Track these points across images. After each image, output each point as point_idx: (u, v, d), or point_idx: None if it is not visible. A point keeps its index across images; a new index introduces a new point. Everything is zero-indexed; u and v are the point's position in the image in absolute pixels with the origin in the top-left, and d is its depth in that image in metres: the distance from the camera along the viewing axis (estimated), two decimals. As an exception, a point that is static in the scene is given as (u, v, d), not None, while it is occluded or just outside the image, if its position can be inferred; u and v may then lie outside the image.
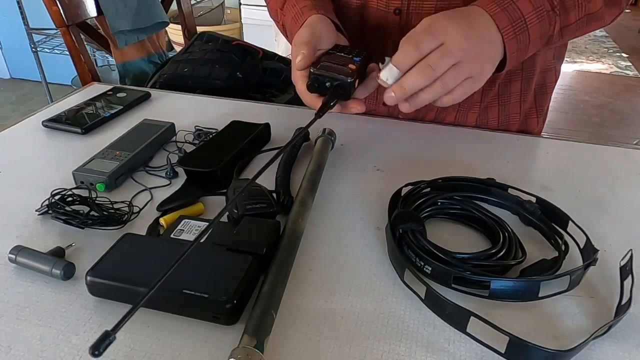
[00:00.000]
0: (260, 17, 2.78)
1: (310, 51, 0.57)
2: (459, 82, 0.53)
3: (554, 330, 0.41)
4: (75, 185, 0.58)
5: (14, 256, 0.46)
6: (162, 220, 0.52)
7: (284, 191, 0.56)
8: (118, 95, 0.82)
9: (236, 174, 0.60)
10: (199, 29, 1.36)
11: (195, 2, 2.87)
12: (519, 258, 0.47)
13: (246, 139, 0.65)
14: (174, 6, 1.43)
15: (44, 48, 2.58)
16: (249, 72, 1.02)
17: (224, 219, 0.52)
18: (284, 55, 1.14)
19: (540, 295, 0.43)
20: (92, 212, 0.52)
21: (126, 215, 0.52)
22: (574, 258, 0.48)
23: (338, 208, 0.56)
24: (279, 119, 0.75)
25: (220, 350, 0.39)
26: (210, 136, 0.69)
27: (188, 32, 1.41)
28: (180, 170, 0.62)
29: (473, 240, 0.51)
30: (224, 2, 3.01)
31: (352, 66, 0.56)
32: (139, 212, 0.54)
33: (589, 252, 0.46)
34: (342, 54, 0.59)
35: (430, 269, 0.44)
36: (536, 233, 0.52)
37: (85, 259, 0.47)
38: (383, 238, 0.51)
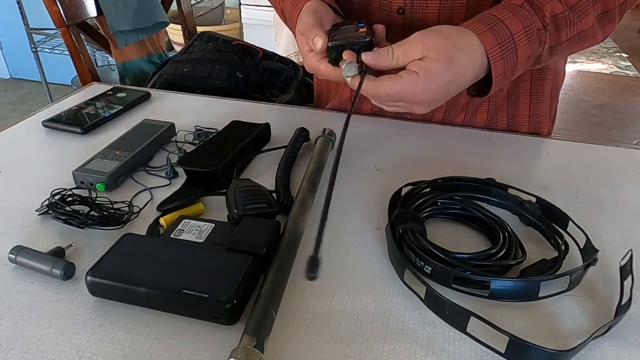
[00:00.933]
0: (260, 17, 2.78)
1: (323, 32, 0.57)
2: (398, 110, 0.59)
3: (554, 330, 0.41)
4: (75, 185, 0.58)
5: (14, 256, 0.46)
6: (162, 220, 0.52)
7: (284, 191, 0.56)
8: (118, 95, 0.82)
9: (236, 174, 0.60)
10: (199, 29, 1.36)
11: (195, 2, 2.87)
12: (519, 258, 0.47)
13: (246, 139, 0.65)
14: (174, 6, 1.43)
15: (44, 48, 2.58)
16: (249, 72, 1.02)
17: (224, 219, 0.52)
18: (284, 55, 1.14)
19: (540, 295, 0.43)
20: (92, 212, 0.52)
21: (126, 215, 0.52)
22: (574, 258, 0.48)
23: (338, 208, 0.56)
24: (279, 119, 0.75)
25: (220, 350, 0.39)
26: (210, 136, 0.69)
27: (188, 32, 1.41)
28: (180, 170, 0.62)
29: (473, 240, 0.51)
30: (224, 2, 3.01)
31: (362, 30, 0.57)
32: (139, 212, 0.54)
33: (589, 252, 0.46)
34: (345, 26, 0.60)
35: (430, 269, 0.44)
36: (536, 233, 0.52)
37: (85, 259, 0.47)
38: (383, 238, 0.51)
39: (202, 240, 0.47)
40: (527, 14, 0.55)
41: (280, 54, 1.13)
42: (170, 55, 1.21)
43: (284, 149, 0.64)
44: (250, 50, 1.07)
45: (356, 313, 0.42)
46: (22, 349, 0.39)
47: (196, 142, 0.69)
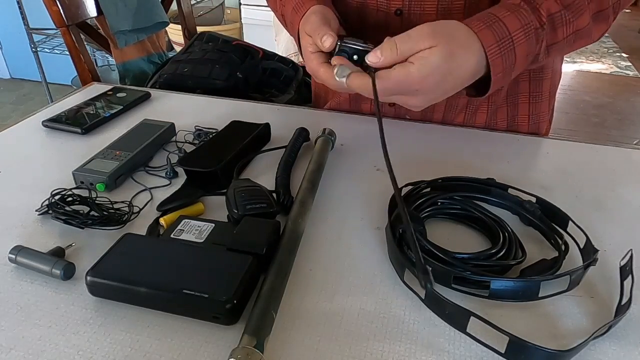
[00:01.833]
0: (260, 17, 2.78)
1: (333, 32, 0.56)
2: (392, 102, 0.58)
3: (554, 330, 0.41)
4: (75, 185, 0.58)
5: (14, 256, 0.46)
6: (162, 220, 0.52)
7: (284, 191, 0.56)
8: (118, 95, 0.82)
9: (236, 174, 0.60)
10: (199, 29, 1.36)
11: (195, 2, 2.87)
12: (519, 258, 0.47)
13: (246, 139, 0.65)
14: (174, 6, 1.43)
15: (44, 48, 2.58)
16: (249, 72, 1.02)
17: (224, 219, 0.52)
18: (284, 55, 1.14)
19: (540, 295, 0.43)
20: (92, 212, 0.52)
21: (126, 215, 0.52)
22: (574, 258, 0.48)
23: (338, 208, 0.56)
24: (279, 119, 0.75)
25: (220, 350, 0.39)
26: (210, 136, 0.69)
27: (188, 32, 1.41)
28: (180, 170, 0.62)
29: (473, 240, 0.51)
30: (224, 2, 3.01)
31: (370, 43, 0.56)
32: (139, 212, 0.54)
33: (589, 252, 0.46)
34: (351, 38, 0.58)
35: (430, 269, 0.44)
36: (536, 233, 0.52)
37: (85, 259, 0.47)
38: (383, 238, 0.51)
39: (202, 240, 0.47)
40: (525, 13, 0.55)
41: (280, 54, 1.13)
42: (170, 55, 1.21)
43: (284, 149, 0.64)
44: (250, 50, 1.07)
45: (356, 313, 0.42)
46: (22, 349, 0.39)
47: (196, 142, 0.69)
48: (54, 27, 1.06)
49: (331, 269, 0.47)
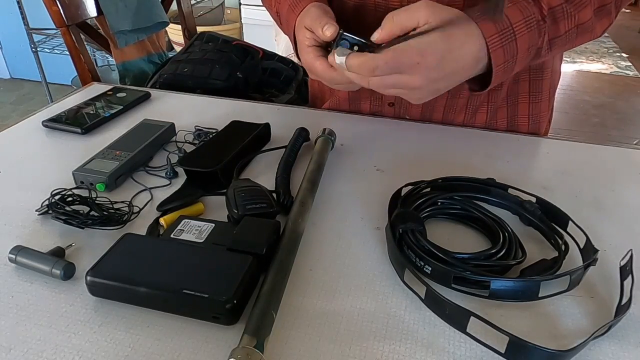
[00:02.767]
0: (260, 17, 2.78)
1: (334, 21, 0.56)
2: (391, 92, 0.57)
3: (554, 330, 0.41)
4: (75, 185, 0.58)
5: (14, 256, 0.46)
6: (162, 220, 0.52)
7: (284, 191, 0.56)
8: (118, 95, 0.82)
9: (236, 174, 0.60)
10: (199, 29, 1.36)
11: (195, 2, 2.87)
12: (519, 258, 0.47)
13: (246, 139, 0.65)
14: (174, 6, 1.43)
15: (44, 48, 2.58)
16: (249, 72, 1.02)
17: (224, 219, 0.52)
18: (284, 55, 1.14)
19: (540, 295, 0.43)
20: (92, 212, 0.52)
21: (126, 215, 0.52)
22: (574, 258, 0.48)
23: (338, 208, 0.56)
24: (279, 119, 0.75)
25: (220, 350, 0.39)
26: (210, 136, 0.69)
27: (188, 32, 1.41)
28: (180, 170, 0.62)
29: (473, 240, 0.51)
30: (224, 2, 3.01)
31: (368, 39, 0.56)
32: (139, 212, 0.54)
33: (589, 252, 0.46)
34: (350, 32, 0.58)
35: (430, 269, 0.44)
36: (536, 233, 0.52)
37: (85, 259, 0.47)
38: (383, 238, 0.51)
39: (202, 240, 0.47)
40: (527, 5, 0.56)
41: (280, 54, 1.13)
42: (170, 55, 1.21)
43: (284, 149, 0.64)
44: (250, 50, 1.07)
45: (356, 313, 0.42)
46: (22, 349, 0.39)
47: (196, 142, 0.69)
48: (54, 27, 1.06)
49: (331, 269, 0.47)
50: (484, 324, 0.38)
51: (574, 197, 0.59)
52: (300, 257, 0.48)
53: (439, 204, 0.54)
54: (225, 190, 0.54)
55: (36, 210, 0.53)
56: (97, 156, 0.61)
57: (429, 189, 0.56)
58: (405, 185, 0.55)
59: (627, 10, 5.37)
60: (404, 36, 0.53)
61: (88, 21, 1.22)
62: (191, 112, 0.78)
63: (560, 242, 0.48)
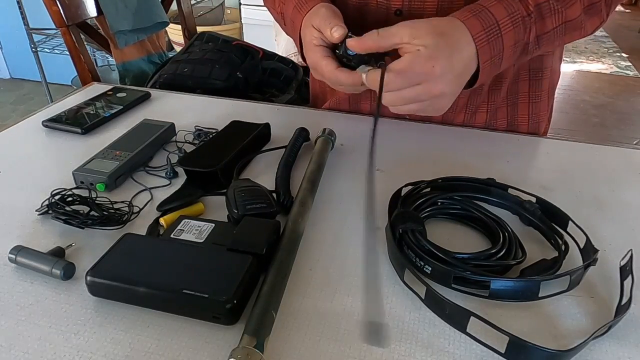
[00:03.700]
0: (260, 17, 2.78)
1: (342, 23, 0.56)
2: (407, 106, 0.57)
3: (554, 330, 0.41)
4: (75, 185, 0.58)
5: (14, 256, 0.46)
6: (162, 220, 0.52)
7: (284, 191, 0.56)
8: (118, 95, 0.82)
9: (236, 174, 0.60)
10: (199, 29, 1.36)
11: (195, 2, 2.87)
12: (519, 258, 0.47)
13: (246, 139, 0.65)
14: (174, 6, 1.43)
15: (44, 48, 2.58)
16: (249, 72, 1.02)
17: (224, 219, 0.52)
18: (284, 55, 1.14)
19: (540, 295, 0.43)
20: (92, 212, 0.52)
21: (126, 215, 0.52)
22: (574, 258, 0.48)
23: (338, 208, 0.56)
24: (279, 119, 0.75)
25: (220, 350, 0.39)
26: (210, 136, 0.69)
27: (188, 32, 1.41)
28: (180, 170, 0.62)
29: (473, 240, 0.51)
30: (224, 2, 3.01)
31: None
32: (139, 212, 0.54)
33: (589, 252, 0.46)
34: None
35: (430, 269, 0.44)
36: (536, 233, 0.52)
37: (85, 259, 0.47)
38: (383, 238, 0.51)
39: (202, 240, 0.47)
40: (512, 2, 0.57)
41: (280, 54, 1.13)
42: (170, 55, 1.21)
43: (284, 149, 0.64)
44: (250, 50, 1.07)
45: (356, 313, 0.42)
46: (22, 349, 0.39)
47: (196, 142, 0.69)
48: (54, 27, 1.06)
49: (331, 269, 0.47)
50: (484, 324, 0.38)
51: (574, 197, 0.59)
52: (300, 257, 0.48)
53: (439, 204, 0.54)
54: (225, 190, 0.54)
55: (36, 210, 0.53)
56: (97, 156, 0.61)
57: (429, 189, 0.56)
58: (405, 185, 0.55)
59: (627, 10, 5.37)
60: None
61: (88, 21, 1.22)
62: (191, 112, 0.78)
63: (560, 242, 0.48)
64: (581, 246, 0.48)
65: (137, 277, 0.42)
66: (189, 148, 0.66)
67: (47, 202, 0.52)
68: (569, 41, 0.63)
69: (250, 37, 2.81)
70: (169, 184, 0.60)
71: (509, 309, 0.43)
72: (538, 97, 0.78)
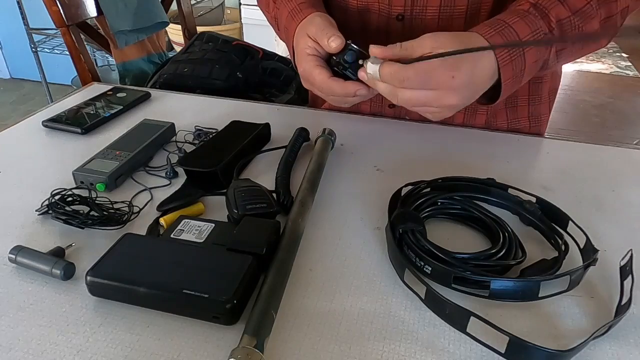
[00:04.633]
0: (260, 17, 2.76)
1: (339, 33, 0.56)
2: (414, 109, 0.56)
3: (554, 330, 0.41)
4: (75, 185, 0.58)
5: (14, 256, 0.46)
6: (162, 220, 0.52)
7: (284, 191, 0.56)
8: (118, 95, 0.82)
9: (236, 174, 0.60)
10: (199, 29, 1.36)
11: (195, 2, 2.87)
12: (519, 258, 0.47)
13: (246, 139, 0.65)
14: (174, 6, 1.43)
15: (44, 48, 2.58)
16: (249, 72, 1.02)
17: (224, 219, 0.52)
18: (284, 55, 1.14)
19: (540, 295, 0.43)
20: (92, 212, 0.52)
21: (126, 215, 0.52)
22: (574, 258, 0.48)
23: (338, 208, 0.56)
24: (279, 119, 0.75)
25: (220, 350, 0.39)
26: (210, 136, 0.69)
27: (188, 32, 1.41)
28: (180, 170, 0.62)
29: (473, 240, 0.51)
30: (224, 2, 3.01)
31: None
32: (139, 212, 0.54)
33: (589, 252, 0.46)
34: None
35: (430, 269, 0.44)
36: (536, 233, 0.52)
37: (85, 259, 0.47)
38: (383, 238, 0.51)
39: (202, 240, 0.47)
40: (534, 19, 0.56)
41: (280, 54, 1.13)
42: (170, 55, 1.21)
43: (284, 149, 0.64)
44: (250, 50, 1.07)
45: (356, 313, 0.42)
46: (22, 349, 0.39)
47: (196, 142, 0.69)
48: (54, 27, 1.06)
49: (331, 269, 0.47)
50: (484, 324, 0.38)
51: (574, 197, 0.59)
52: (300, 257, 0.48)
53: (439, 204, 0.54)
54: (225, 190, 0.54)
55: (36, 210, 0.53)
56: (97, 156, 0.61)
57: (429, 189, 0.56)
58: (405, 185, 0.55)
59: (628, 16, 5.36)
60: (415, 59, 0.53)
61: (88, 21, 1.22)
62: (191, 112, 0.78)
63: (560, 242, 0.48)
64: (581, 246, 0.48)
65: (137, 277, 0.42)
66: (189, 148, 0.66)
67: (47, 202, 0.52)
68: (585, 54, 0.63)
69: (250, 37, 2.80)
70: (169, 184, 0.60)
71: (509, 309, 0.43)
72: (538, 100, 0.78)
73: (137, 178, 0.61)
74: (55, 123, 0.72)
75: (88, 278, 0.42)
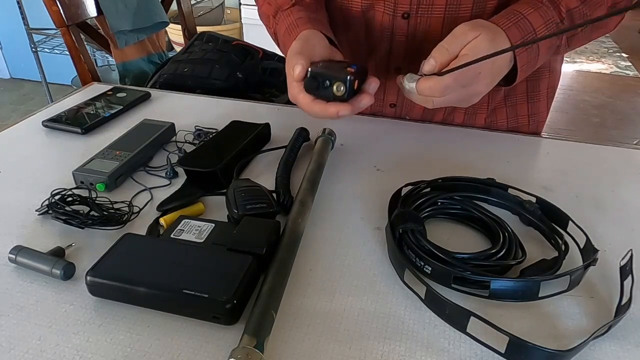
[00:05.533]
0: (260, 17, 2.77)
1: (306, 60, 0.56)
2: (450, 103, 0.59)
3: (554, 330, 0.41)
4: (75, 185, 0.58)
5: (14, 256, 0.46)
6: (162, 220, 0.52)
7: (284, 191, 0.56)
8: (118, 95, 0.82)
9: (236, 174, 0.60)
10: (199, 29, 1.36)
11: (195, 2, 2.87)
12: (519, 258, 0.47)
13: (246, 139, 0.65)
14: (174, 6, 1.43)
15: (44, 48, 2.58)
16: (249, 72, 1.02)
17: (224, 219, 0.52)
18: (283, 55, 1.14)
19: (540, 295, 0.43)
20: (92, 212, 0.52)
21: (126, 215, 0.52)
22: (574, 258, 0.48)
23: (338, 208, 0.56)
24: (279, 119, 0.75)
25: (220, 350, 0.39)
26: (210, 136, 0.69)
27: (188, 32, 1.41)
28: (180, 170, 0.62)
29: (473, 240, 0.51)
30: (224, 2, 3.01)
31: (349, 69, 0.56)
32: (139, 212, 0.54)
33: (589, 252, 0.46)
34: (338, 62, 0.60)
35: (430, 269, 0.44)
36: (536, 233, 0.52)
37: (85, 259, 0.47)
38: (383, 238, 0.51)
39: (202, 240, 0.47)
40: (547, 10, 0.59)
41: (280, 54, 1.13)
42: (170, 55, 1.21)
43: (284, 149, 0.64)
44: (250, 50, 1.07)
45: (356, 313, 0.42)
46: (22, 349, 0.39)
47: (196, 142, 0.69)
48: (54, 27, 1.06)
49: (331, 269, 0.47)
50: (484, 324, 0.38)
51: (574, 197, 0.59)
52: (300, 257, 0.48)
53: (439, 204, 0.54)
54: (225, 190, 0.54)
55: (36, 210, 0.53)
56: (97, 156, 0.61)
57: (429, 189, 0.56)
58: (405, 185, 0.55)
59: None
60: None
61: (88, 21, 1.22)
62: (191, 112, 0.78)
63: (560, 242, 0.48)
64: (581, 246, 0.48)
65: (137, 277, 0.42)
66: (189, 148, 0.66)
67: (47, 202, 0.52)
68: (594, 38, 0.67)
69: (250, 37, 2.80)
70: (169, 184, 0.60)
71: (509, 309, 0.43)
72: (536, 96, 0.78)
73: (137, 178, 0.61)
74: (55, 123, 0.72)
75: (88, 278, 0.42)
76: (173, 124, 0.70)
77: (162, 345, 0.39)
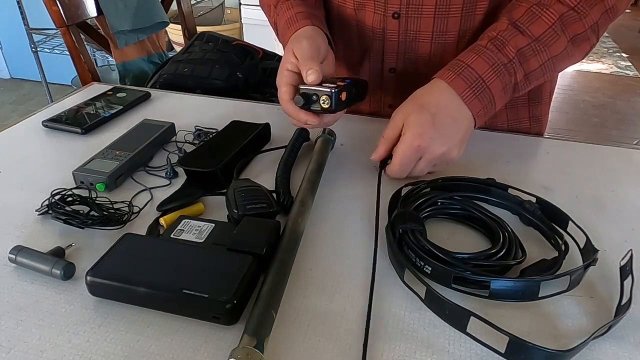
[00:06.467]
0: (260, 17, 2.77)
1: (320, 67, 0.58)
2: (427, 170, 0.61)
3: (554, 330, 0.41)
4: (75, 185, 0.58)
5: (14, 256, 0.46)
6: (162, 220, 0.52)
7: (284, 191, 0.56)
8: (118, 95, 0.82)
9: (236, 174, 0.60)
10: (199, 29, 1.36)
11: (195, 2, 2.87)
12: (519, 258, 0.47)
13: (246, 139, 0.65)
14: (174, 6, 1.43)
15: (44, 48, 2.58)
16: (249, 72, 1.02)
17: (224, 219, 0.52)
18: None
19: (540, 295, 0.43)
20: (92, 212, 0.52)
21: (126, 215, 0.52)
22: (574, 258, 0.48)
23: (338, 208, 0.56)
24: (279, 119, 0.75)
25: (220, 350, 0.39)
26: (210, 136, 0.69)
27: (188, 32, 1.41)
28: (180, 170, 0.62)
29: (473, 240, 0.51)
30: (224, 2, 3.01)
31: (340, 83, 0.59)
32: (139, 212, 0.54)
33: (589, 252, 0.46)
34: (335, 78, 0.62)
35: (430, 269, 0.44)
36: (536, 233, 0.52)
37: (85, 259, 0.47)
38: (383, 238, 0.51)
39: (202, 240, 0.47)
40: (491, 54, 0.59)
41: (280, 54, 1.13)
42: (170, 55, 1.21)
43: (284, 149, 0.64)
44: (250, 50, 1.07)
45: (356, 313, 0.42)
46: (22, 349, 0.39)
47: (196, 142, 0.69)
48: (54, 27, 1.06)
49: (331, 269, 0.47)
50: (484, 324, 0.38)
51: (574, 197, 0.59)
52: (300, 257, 0.48)
53: (439, 204, 0.54)
54: (225, 190, 0.54)
55: (36, 210, 0.53)
56: (97, 156, 0.61)
57: (429, 189, 0.56)
58: (405, 185, 0.55)
59: (627, 10, 5.36)
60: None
61: (88, 21, 1.22)
62: (191, 112, 0.79)
63: (560, 242, 0.48)
64: (581, 246, 0.48)
65: (137, 277, 0.42)
66: (189, 148, 0.66)
67: (47, 202, 0.52)
68: (561, 70, 0.65)
69: (250, 37, 2.81)
70: (169, 184, 0.60)
71: (509, 309, 0.43)
72: (538, 100, 0.78)
73: (137, 178, 0.61)
74: (55, 123, 0.72)
75: (88, 278, 0.42)
76: (173, 124, 0.70)
77: (162, 345, 0.39)
